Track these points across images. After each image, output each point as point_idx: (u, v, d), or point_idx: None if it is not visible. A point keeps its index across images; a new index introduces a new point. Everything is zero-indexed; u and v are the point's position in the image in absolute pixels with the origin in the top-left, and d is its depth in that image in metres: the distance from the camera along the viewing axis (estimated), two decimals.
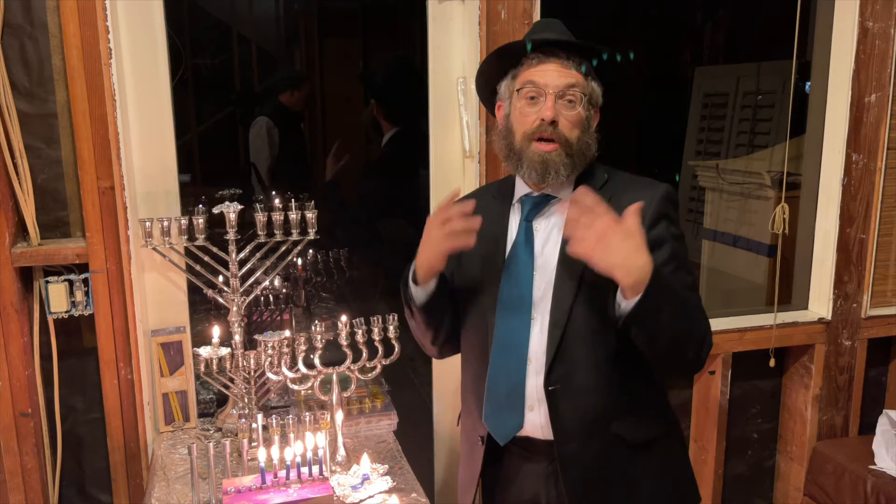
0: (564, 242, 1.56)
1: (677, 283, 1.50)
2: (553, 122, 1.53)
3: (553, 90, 1.54)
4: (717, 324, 2.53)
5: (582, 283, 1.54)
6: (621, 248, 1.37)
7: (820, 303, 2.63)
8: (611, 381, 1.55)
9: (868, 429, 2.64)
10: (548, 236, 1.61)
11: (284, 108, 3.56)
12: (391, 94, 3.31)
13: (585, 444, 1.58)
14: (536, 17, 2.15)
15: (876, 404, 2.74)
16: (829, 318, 2.59)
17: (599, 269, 1.39)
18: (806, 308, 2.68)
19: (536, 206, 1.63)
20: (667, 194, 1.56)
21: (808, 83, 2.67)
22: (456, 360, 1.82)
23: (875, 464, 2.41)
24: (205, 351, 1.92)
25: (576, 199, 1.42)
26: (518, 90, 1.58)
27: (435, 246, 1.56)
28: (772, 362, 2.56)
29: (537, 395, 1.59)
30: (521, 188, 1.66)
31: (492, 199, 1.73)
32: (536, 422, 1.61)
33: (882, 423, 2.48)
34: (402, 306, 1.74)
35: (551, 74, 1.55)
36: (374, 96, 3.39)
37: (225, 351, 1.93)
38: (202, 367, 1.91)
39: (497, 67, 1.65)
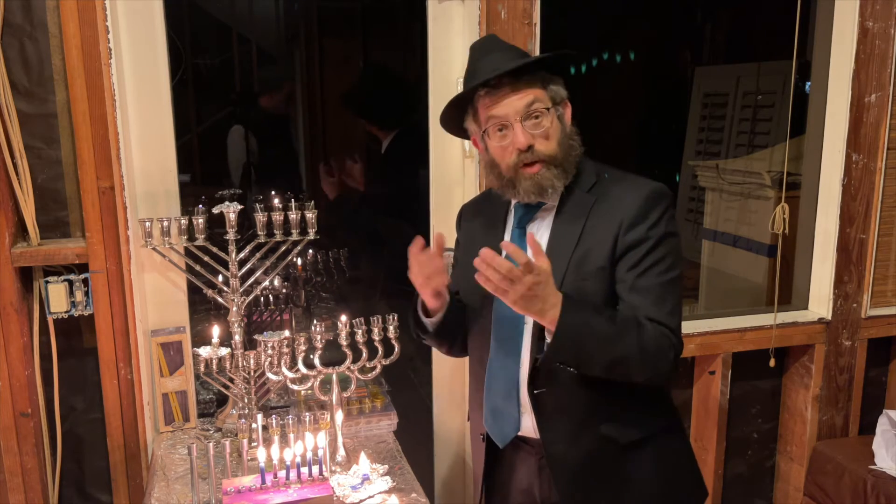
0: (549, 247, 1.59)
1: (621, 309, 1.52)
2: (529, 147, 1.53)
3: (516, 116, 1.53)
4: (716, 324, 2.54)
5: (563, 286, 1.54)
6: (532, 303, 1.42)
7: (820, 303, 2.63)
8: (596, 383, 1.54)
9: (868, 429, 2.64)
10: (539, 241, 1.61)
11: (263, 112, 3.49)
12: (374, 105, 3.28)
13: (573, 444, 1.59)
14: (536, 17, 2.15)
15: (876, 404, 2.74)
16: (829, 318, 2.59)
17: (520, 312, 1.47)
18: (806, 308, 2.68)
19: (528, 212, 1.64)
20: (652, 193, 1.55)
21: (808, 83, 2.67)
22: (456, 360, 1.83)
23: (875, 464, 2.41)
24: (205, 351, 1.92)
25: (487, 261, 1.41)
26: (485, 130, 1.58)
27: (421, 290, 1.64)
28: (772, 362, 2.56)
29: (529, 398, 1.61)
30: (528, 198, 1.66)
31: (491, 205, 1.75)
32: (529, 423, 1.63)
33: (882, 423, 2.48)
34: (402, 306, 1.76)
35: (508, 103, 1.53)
36: (358, 114, 3.36)
37: (225, 351, 1.93)
38: (202, 367, 1.91)
39: (454, 113, 1.66)
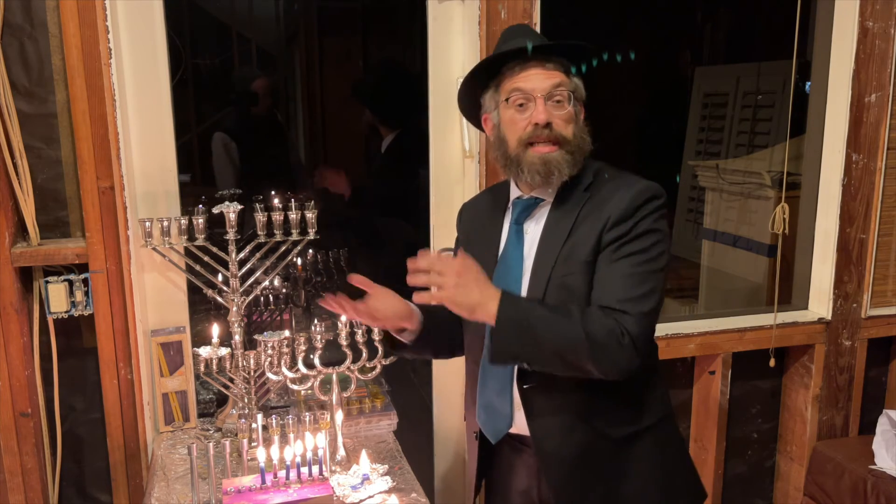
0: (541, 242, 1.59)
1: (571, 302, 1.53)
2: (548, 125, 1.54)
3: (541, 93, 1.54)
4: (717, 324, 2.54)
5: (550, 283, 1.55)
6: (466, 293, 1.45)
7: (820, 303, 2.63)
8: (586, 378, 1.53)
9: (868, 429, 2.64)
10: (535, 237, 1.62)
11: (246, 116, 3.47)
12: (383, 100, 3.29)
13: (565, 439, 1.59)
14: (536, 17, 2.15)
15: (876, 404, 2.74)
16: (829, 318, 2.59)
17: (459, 313, 1.49)
18: (806, 308, 2.68)
19: (526, 208, 1.64)
20: (639, 193, 1.54)
21: (808, 83, 2.67)
22: (457, 360, 1.83)
23: (875, 464, 2.41)
24: (205, 351, 1.92)
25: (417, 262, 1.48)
26: (506, 100, 1.58)
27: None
28: (772, 362, 2.56)
29: (520, 394, 1.61)
30: (513, 191, 1.68)
31: (490, 202, 1.75)
32: (522, 420, 1.63)
33: (882, 423, 2.48)
34: None
35: (536, 78, 1.55)
36: (366, 105, 3.37)
37: (225, 351, 1.93)
38: (202, 367, 1.91)
39: (478, 82, 1.66)
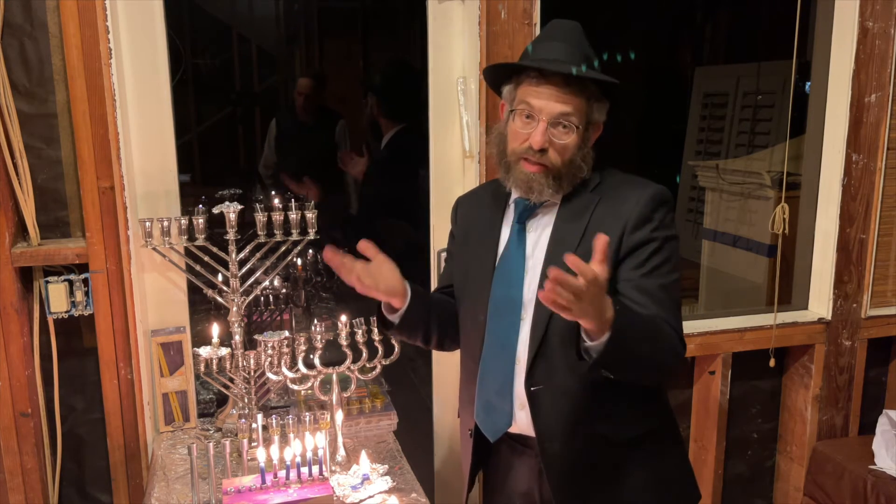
0: (551, 244, 1.58)
1: (647, 310, 1.49)
2: (542, 149, 1.53)
3: (546, 117, 1.52)
4: (717, 324, 2.54)
5: None
6: (590, 308, 1.29)
7: (820, 303, 2.63)
8: (593, 381, 1.53)
9: (868, 429, 2.64)
10: (538, 237, 1.62)
11: (290, 110, 3.53)
12: (390, 90, 3.30)
13: (569, 442, 1.59)
14: (536, 17, 2.14)
15: (876, 404, 2.74)
16: (829, 318, 2.59)
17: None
18: (806, 308, 2.68)
19: (529, 208, 1.63)
20: (655, 196, 1.55)
21: (808, 83, 2.67)
22: (456, 359, 1.83)
23: (875, 464, 2.41)
24: (205, 351, 1.92)
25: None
26: (513, 110, 1.57)
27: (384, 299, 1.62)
28: (772, 362, 2.56)
29: (525, 395, 1.61)
30: (515, 190, 1.66)
31: (489, 198, 1.74)
32: (524, 421, 1.62)
33: (882, 423, 2.48)
34: None
35: (548, 99, 1.52)
36: (374, 92, 3.38)
37: (225, 351, 1.93)
38: (202, 367, 1.91)
39: (501, 73, 1.64)
